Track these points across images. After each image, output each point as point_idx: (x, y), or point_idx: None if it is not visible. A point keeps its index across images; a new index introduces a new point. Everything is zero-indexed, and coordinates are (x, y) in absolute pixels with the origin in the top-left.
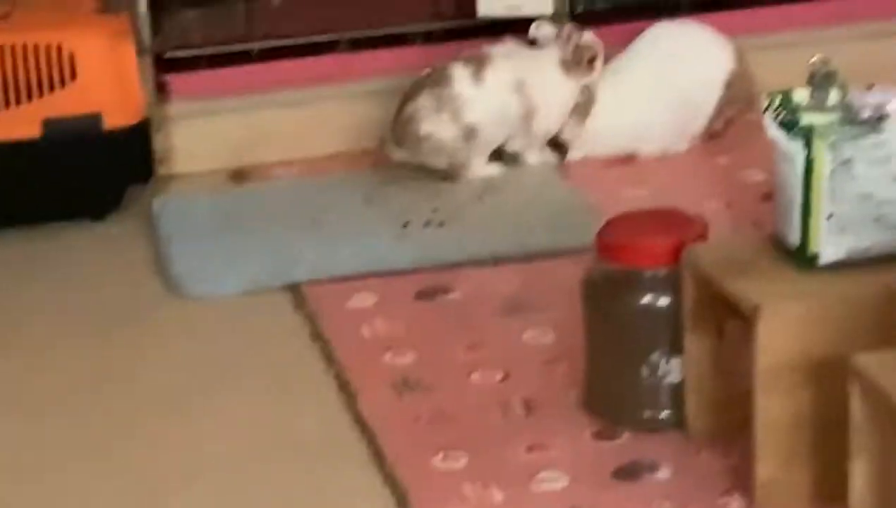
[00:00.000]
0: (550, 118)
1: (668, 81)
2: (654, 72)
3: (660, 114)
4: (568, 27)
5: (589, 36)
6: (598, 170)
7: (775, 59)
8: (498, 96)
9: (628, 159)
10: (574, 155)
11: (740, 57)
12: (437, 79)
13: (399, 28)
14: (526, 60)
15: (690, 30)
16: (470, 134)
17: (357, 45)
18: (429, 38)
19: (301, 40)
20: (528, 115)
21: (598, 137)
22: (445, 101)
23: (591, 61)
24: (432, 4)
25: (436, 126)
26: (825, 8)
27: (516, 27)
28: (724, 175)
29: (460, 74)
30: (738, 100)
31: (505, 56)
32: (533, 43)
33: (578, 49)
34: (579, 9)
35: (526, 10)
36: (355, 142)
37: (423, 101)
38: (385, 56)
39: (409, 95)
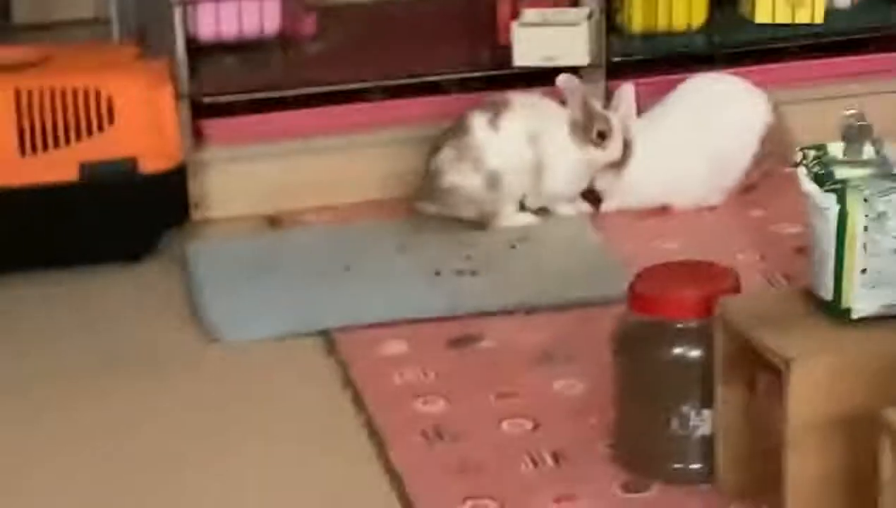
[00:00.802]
0: (557, 178)
1: (703, 134)
2: (690, 124)
3: (695, 166)
4: (580, 89)
5: (603, 109)
6: (631, 222)
7: (810, 113)
8: (512, 144)
9: (662, 211)
10: (608, 206)
11: (776, 110)
12: (457, 129)
13: (434, 76)
14: (543, 113)
15: (726, 82)
16: (493, 181)
17: (392, 92)
18: (464, 86)
19: (337, 88)
20: (538, 169)
21: (633, 189)
22: (465, 151)
23: (602, 136)
24: (468, 53)
25: (460, 176)
26: (859, 62)
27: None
28: (757, 228)
29: (478, 122)
30: (773, 154)
31: (523, 105)
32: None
33: (590, 117)
34: (615, 60)
35: (562, 61)
36: (389, 191)
37: (446, 153)
38: (420, 104)
39: (433, 149)
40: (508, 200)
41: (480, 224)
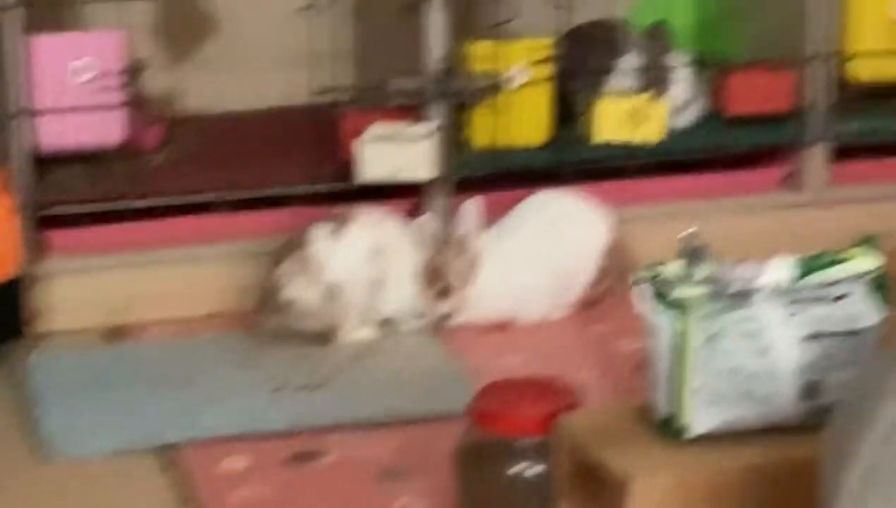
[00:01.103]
0: (397, 296)
1: (547, 250)
2: (534, 240)
3: (539, 282)
4: (437, 239)
5: (449, 261)
6: (475, 336)
7: (650, 231)
8: (353, 257)
9: (505, 325)
10: (452, 320)
11: (617, 228)
12: (297, 242)
13: (278, 190)
14: (387, 230)
15: (570, 199)
16: (332, 294)
17: (236, 205)
18: (308, 200)
19: (181, 200)
20: (378, 285)
21: (478, 303)
22: (305, 263)
23: (445, 293)
24: (313, 167)
25: (299, 290)
26: (698, 181)
27: (398, 192)
28: (598, 344)
29: (319, 235)
30: (614, 271)
31: (367, 220)
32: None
33: (435, 271)
34: (460, 175)
35: (406, 175)
36: (232, 304)
37: (286, 266)
38: (264, 218)
39: (274, 262)
40: (349, 314)
41: (322, 338)
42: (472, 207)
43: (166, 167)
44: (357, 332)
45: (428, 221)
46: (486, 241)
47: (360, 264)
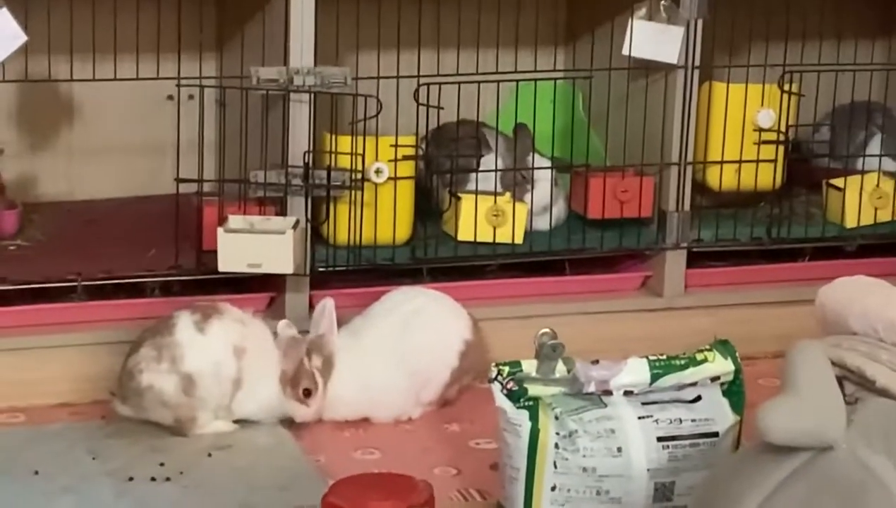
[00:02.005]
0: (253, 399)
1: (404, 348)
2: (391, 338)
3: (395, 380)
4: (297, 345)
5: (310, 366)
6: (330, 432)
7: (508, 330)
8: (216, 351)
9: (361, 422)
10: (306, 416)
11: (475, 326)
12: (160, 328)
13: (137, 278)
14: (252, 331)
15: (427, 297)
16: (188, 384)
17: (93, 293)
18: (168, 290)
19: (35, 285)
20: (237, 383)
21: (333, 403)
22: (165, 350)
23: (308, 394)
24: (173, 256)
25: (156, 377)
26: (556, 282)
27: (259, 284)
28: (454, 442)
29: (184, 322)
30: (472, 370)
31: (233, 317)
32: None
33: (299, 374)
34: (320, 269)
35: (267, 268)
36: (85, 393)
37: (145, 352)
38: (121, 306)
39: (133, 348)
40: (204, 407)
41: (176, 429)
42: (328, 307)
43: (22, 252)
44: (211, 427)
45: (286, 325)
46: (342, 339)
47: (221, 360)
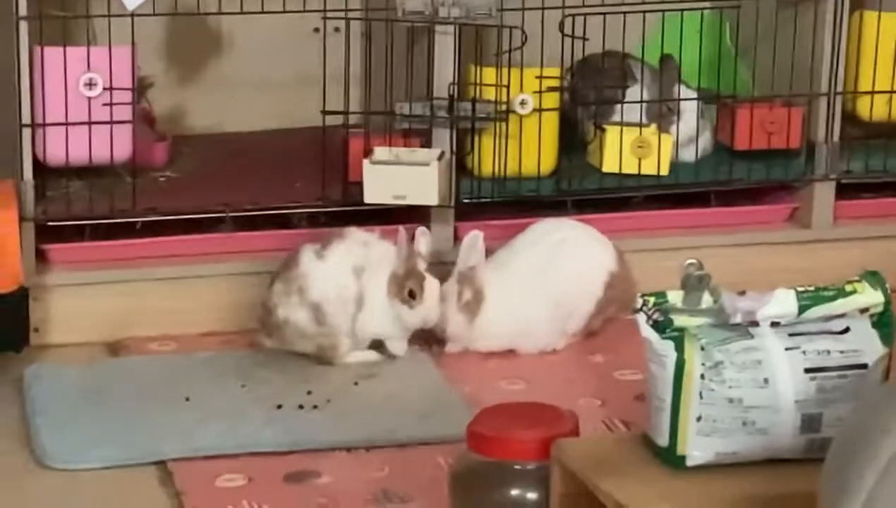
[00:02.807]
0: (373, 316)
1: (549, 280)
2: (536, 270)
3: (541, 312)
4: (407, 243)
5: (424, 270)
6: (475, 363)
7: (653, 262)
8: (336, 275)
9: (506, 353)
10: (453, 347)
11: (621, 258)
12: (288, 262)
13: (284, 210)
14: (373, 250)
15: (572, 229)
16: (319, 314)
17: (242, 224)
18: (314, 221)
19: (185, 216)
20: (359, 303)
21: (481, 334)
22: (293, 282)
23: (412, 296)
24: (319, 188)
25: (290, 310)
26: (702, 214)
27: (404, 216)
28: (599, 373)
29: (307, 253)
30: (617, 301)
31: (355, 239)
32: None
33: (406, 274)
34: (465, 201)
35: (411, 200)
36: (234, 322)
37: (277, 287)
38: (268, 237)
39: (270, 282)
40: (340, 335)
41: (322, 359)
42: (476, 239)
43: (172, 184)
44: (354, 356)
45: (421, 233)
46: (489, 271)
47: (342, 282)
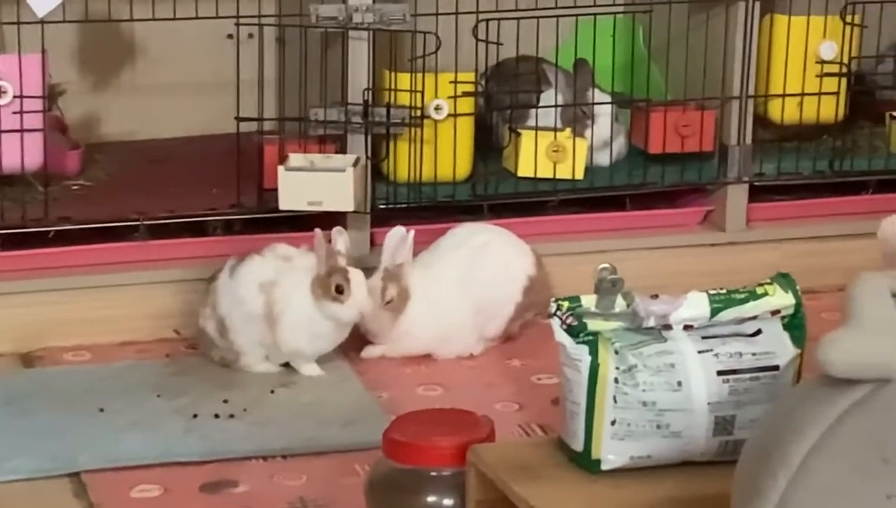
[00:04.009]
0: (289, 331)
1: (472, 283)
2: (456, 274)
3: (463, 315)
4: (325, 243)
5: (346, 265)
6: (393, 369)
7: (571, 266)
8: (241, 291)
9: (424, 359)
10: (371, 353)
11: (539, 262)
12: (214, 273)
13: (199, 217)
14: (290, 264)
15: (491, 233)
16: (222, 327)
17: (156, 232)
18: (229, 228)
19: (99, 225)
20: (269, 320)
21: (403, 337)
22: (210, 294)
23: (339, 291)
24: (235, 195)
25: (205, 320)
26: (616, 218)
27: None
28: (516, 377)
29: (225, 268)
30: (535, 305)
31: (275, 255)
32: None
33: (329, 271)
34: (381, 206)
35: (327, 206)
36: (149, 331)
37: (204, 296)
38: (183, 245)
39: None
40: (243, 349)
41: (228, 368)
42: (402, 236)
43: (85, 193)
44: (259, 366)
45: (337, 232)
46: (415, 270)
47: (247, 298)
